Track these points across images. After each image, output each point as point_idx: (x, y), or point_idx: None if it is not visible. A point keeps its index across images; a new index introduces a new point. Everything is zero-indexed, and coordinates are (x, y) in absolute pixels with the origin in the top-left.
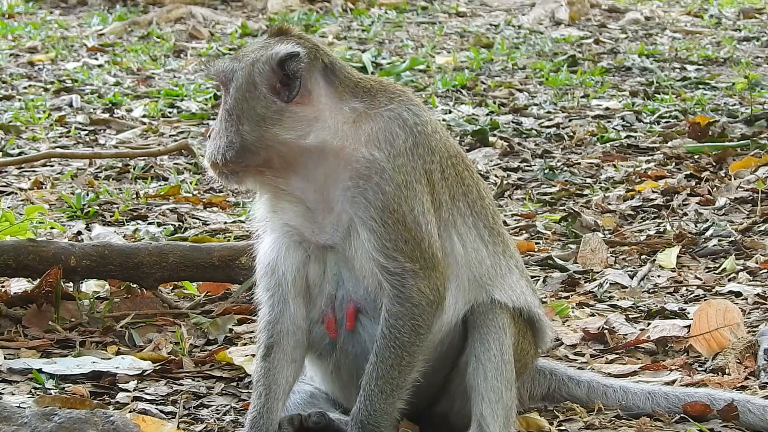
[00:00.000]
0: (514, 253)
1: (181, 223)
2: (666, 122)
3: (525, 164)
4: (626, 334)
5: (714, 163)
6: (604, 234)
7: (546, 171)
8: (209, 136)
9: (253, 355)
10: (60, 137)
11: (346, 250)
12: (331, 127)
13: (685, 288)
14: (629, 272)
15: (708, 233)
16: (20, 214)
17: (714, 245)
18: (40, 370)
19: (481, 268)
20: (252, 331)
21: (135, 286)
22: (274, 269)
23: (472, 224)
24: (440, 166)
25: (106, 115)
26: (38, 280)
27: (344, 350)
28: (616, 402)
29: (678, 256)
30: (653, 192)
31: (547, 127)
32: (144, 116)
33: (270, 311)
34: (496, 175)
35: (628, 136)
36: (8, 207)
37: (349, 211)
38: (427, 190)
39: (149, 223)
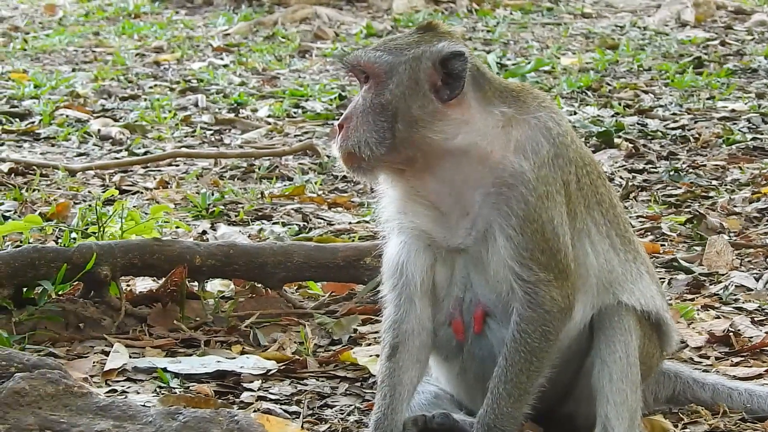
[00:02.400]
0: (645, 259)
1: (305, 223)
2: None
3: (650, 166)
4: (752, 337)
5: None
6: (729, 236)
7: (671, 173)
8: (340, 127)
9: (378, 356)
10: (185, 137)
11: (479, 255)
12: (480, 130)
13: None
14: (755, 275)
15: None
16: (146, 214)
17: None
18: (165, 369)
19: (611, 275)
20: (376, 332)
21: (259, 285)
22: (401, 270)
23: (606, 233)
24: (576, 176)
25: (231, 115)
26: (163, 279)
27: (471, 353)
28: (741, 405)
29: None
30: None
31: (673, 128)
32: (269, 116)
33: (396, 311)
34: (621, 177)
35: (753, 138)
36: (134, 206)
37: (488, 216)
38: (565, 200)
39: (274, 223)
